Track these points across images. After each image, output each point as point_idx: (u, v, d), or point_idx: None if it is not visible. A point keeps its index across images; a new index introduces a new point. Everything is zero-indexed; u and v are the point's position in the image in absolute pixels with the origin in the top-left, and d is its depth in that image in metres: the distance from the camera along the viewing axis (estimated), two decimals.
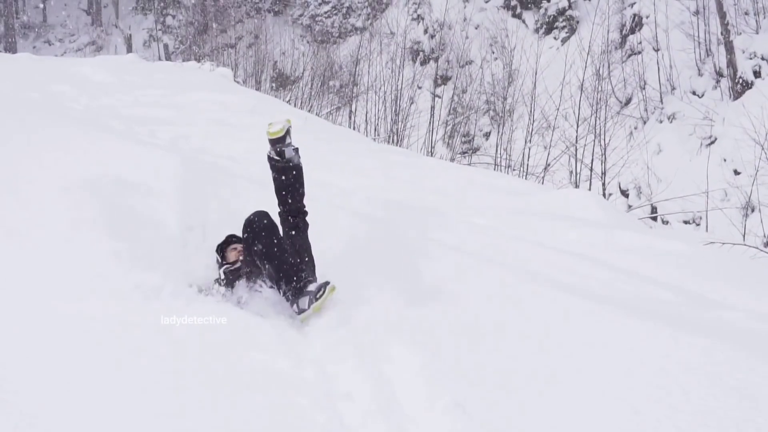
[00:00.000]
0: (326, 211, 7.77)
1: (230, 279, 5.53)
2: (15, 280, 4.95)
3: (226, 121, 13.34)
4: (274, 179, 5.53)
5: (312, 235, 6.71)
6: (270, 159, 5.50)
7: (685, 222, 18.21)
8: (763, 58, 20.47)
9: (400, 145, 21.68)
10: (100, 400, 3.47)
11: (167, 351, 4.10)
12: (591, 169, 18.62)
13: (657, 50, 23.41)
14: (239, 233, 6.22)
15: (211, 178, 8.24)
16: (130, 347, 4.07)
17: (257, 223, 5.22)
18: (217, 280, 5.66)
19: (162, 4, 40.31)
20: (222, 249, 6.03)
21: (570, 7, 28.53)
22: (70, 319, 4.35)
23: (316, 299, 4.77)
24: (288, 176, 5.48)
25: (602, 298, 5.82)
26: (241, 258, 5.83)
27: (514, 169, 20.61)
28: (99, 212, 6.52)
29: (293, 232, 5.58)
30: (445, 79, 27.41)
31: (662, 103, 22.35)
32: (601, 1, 24.98)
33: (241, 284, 5.37)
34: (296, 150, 5.53)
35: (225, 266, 5.79)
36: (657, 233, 10.37)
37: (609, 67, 21.64)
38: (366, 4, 35.84)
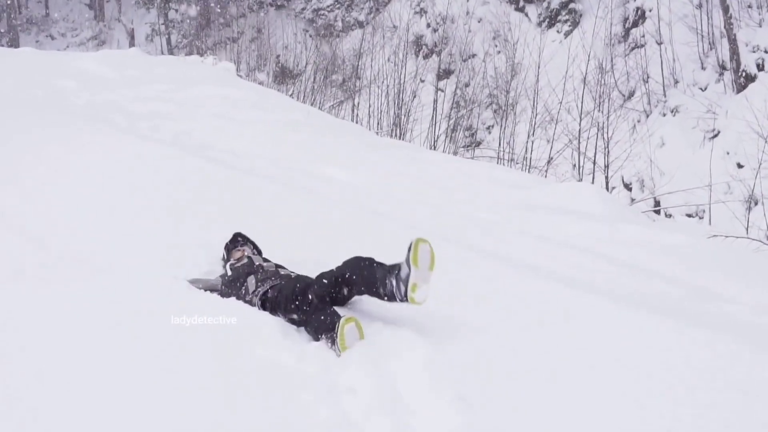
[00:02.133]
0: (330, 206, 7.78)
1: (238, 274, 5.54)
2: (19, 275, 4.96)
3: (228, 116, 13.32)
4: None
5: (317, 230, 6.74)
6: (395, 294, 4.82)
7: (688, 215, 18.20)
8: (766, 51, 20.40)
9: (402, 139, 21.65)
10: (105, 397, 3.48)
11: (175, 347, 4.11)
12: (594, 163, 18.60)
13: (660, 43, 23.33)
14: (241, 229, 6.26)
15: (213, 173, 8.25)
16: (136, 343, 4.08)
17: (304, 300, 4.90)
18: (223, 276, 5.69)
19: None
20: (229, 248, 6.06)
21: (573, 0, 28.47)
22: (77, 316, 4.37)
23: (337, 336, 4.38)
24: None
25: (605, 291, 5.82)
26: (246, 254, 5.87)
27: (517, 163, 20.58)
28: (98, 208, 6.55)
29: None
30: (448, 73, 27.34)
31: (665, 97, 22.30)
32: None
33: (251, 281, 5.37)
34: None
35: (231, 262, 5.82)
36: (660, 226, 10.36)
37: (612, 60, 21.63)
38: None
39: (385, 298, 4.76)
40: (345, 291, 5.03)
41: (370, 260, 4.98)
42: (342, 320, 4.42)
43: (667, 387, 3.96)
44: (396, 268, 4.70)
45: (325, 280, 5.01)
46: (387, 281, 4.70)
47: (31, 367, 3.64)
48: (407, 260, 4.59)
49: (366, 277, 4.86)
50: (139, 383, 3.64)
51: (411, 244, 4.59)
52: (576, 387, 4.00)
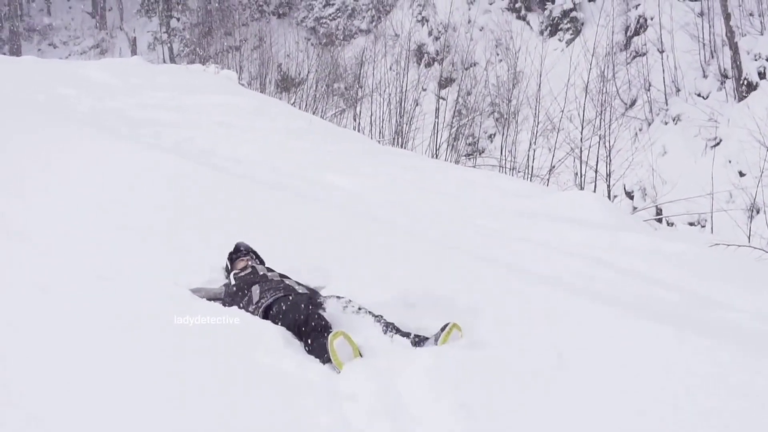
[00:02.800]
0: (333, 213, 7.79)
1: (242, 284, 5.53)
2: (20, 281, 4.96)
3: (230, 124, 13.35)
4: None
5: (320, 237, 6.74)
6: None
7: (690, 224, 18.19)
8: (767, 59, 20.43)
9: (404, 148, 21.66)
10: (106, 401, 3.48)
11: (176, 352, 4.12)
12: (596, 171, 18.60)
13: (662, 52, 23.36)
14: (243, 237, 6.26)
15: (215, 180, 8.25)
16: (138, 348, 4.08)
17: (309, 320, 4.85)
18: (226, 285, 5.68)
19: (166, 7, 40.28)
20: (232, 258, 6.05)
21: (575, 8, 28.50)
22: (78, 321, 4.37)
23: (329, 355, 4.36)
24: None
25: (607, 299, 5.82)
26: (250, 264, 5.87)
27: (519, 171, 20.58)
28: (100, 214, 6.55)
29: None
30: (450, 81, 27.36)
31: (667, 105, 22.32)
32: (605, 3, 25.00)
33: (255, 291, 5.36)
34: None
35: (234, 272, 5.81)
36: (662, 235, 10.37)
37: (614, 68, 21.64)
38: (370, 6, 35.83)
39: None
40: None
41: (393, 324, 4.98)
42: (329, 337, 4.38)
43: (668, 394, 3.96)
44: (422, 340, 4.71)
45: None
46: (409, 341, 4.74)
47: (33, 371, 3.64)
48: (437, 338, 4.60)
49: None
50: (140, 387, 3.64)
51: (447, 327, 4.60)
52: (577, 393, 4.00)
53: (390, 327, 4.86)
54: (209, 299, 5.32)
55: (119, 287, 5.14)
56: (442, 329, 4.57)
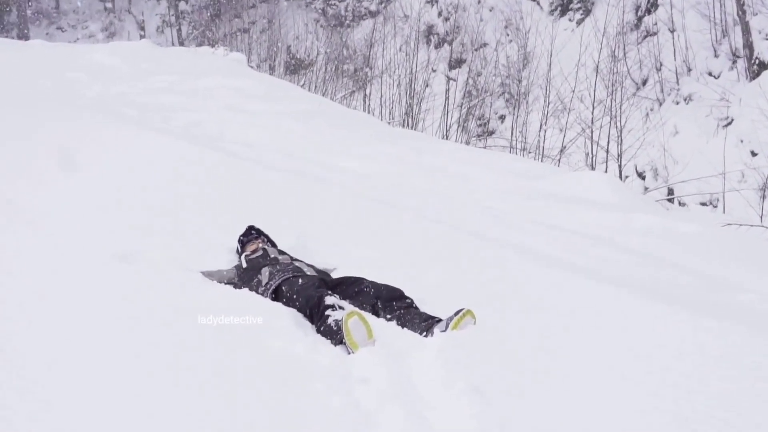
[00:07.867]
0: (342, 196, 7.77)
1: (252, 266, 5.53)
2: (31, 267, 4.96)
3: (240, 107, 13.32)
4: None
5: (329, 219, 6.73)
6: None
7: (702, 204, 18.12)
8: None
9: (414, 129, 21.63)
10: (116, 387, 3.48)
11: (186, 336, 4.11)
12: (607, 151, 18.54)
13: (673, 31, 23.21)
14: (253, 220, 6.26)
15: (225, 164, 8.24)
16: (148, 337, 4.07)
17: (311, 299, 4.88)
18: (237, 267, 5.67)
19: None
20: (243, 241, 6.03)
21: None
22: (89, 307, 4.37)
23: (344, 335, 4.35)
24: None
25: (618, 280, 5.79)
26: (261, 246, 5.86)
27: (529, 152, 20.53)
28: (109, 199, 6.55)
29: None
30: (460, 62, 27.28)
31: (678, 85, 22.19)
32: None
33: (265, 273, 5.35)
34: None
35: (246, 254, 5.80)
36: (674, 215, 10.32)
37: (624, 48, 21.52)
38: None
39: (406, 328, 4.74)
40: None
41: (411, 301, 4.98)
42: (344, 317, 4.37)
43: (681, 376, 3.94)
44: (434, 323, 4.65)
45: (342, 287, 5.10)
46: (418, 325, 4.69)
47: (44, 357, 3.64)
48: (448, 322, 4.54)
49: (399, 315, 4.84)
50: (149, 371, 3.64)
51: (461, 312, 4.53)
52: (589, 376, 3.98)
53: (400, 315, 4.84)
54: (220, 281, 5.32)
55: (131, 271, 5.14)
56: (456, 313, 4.53)
